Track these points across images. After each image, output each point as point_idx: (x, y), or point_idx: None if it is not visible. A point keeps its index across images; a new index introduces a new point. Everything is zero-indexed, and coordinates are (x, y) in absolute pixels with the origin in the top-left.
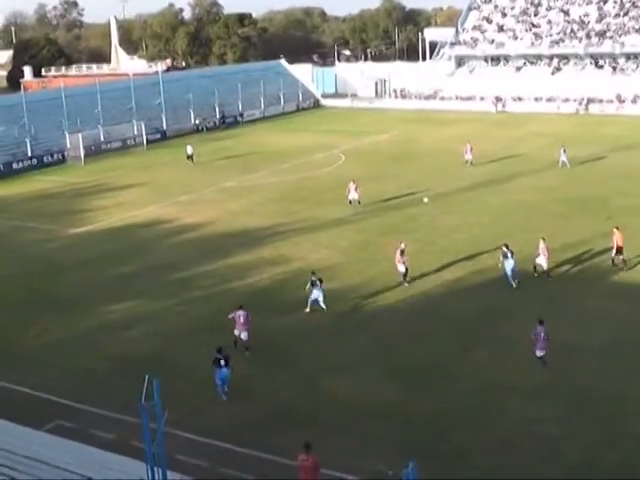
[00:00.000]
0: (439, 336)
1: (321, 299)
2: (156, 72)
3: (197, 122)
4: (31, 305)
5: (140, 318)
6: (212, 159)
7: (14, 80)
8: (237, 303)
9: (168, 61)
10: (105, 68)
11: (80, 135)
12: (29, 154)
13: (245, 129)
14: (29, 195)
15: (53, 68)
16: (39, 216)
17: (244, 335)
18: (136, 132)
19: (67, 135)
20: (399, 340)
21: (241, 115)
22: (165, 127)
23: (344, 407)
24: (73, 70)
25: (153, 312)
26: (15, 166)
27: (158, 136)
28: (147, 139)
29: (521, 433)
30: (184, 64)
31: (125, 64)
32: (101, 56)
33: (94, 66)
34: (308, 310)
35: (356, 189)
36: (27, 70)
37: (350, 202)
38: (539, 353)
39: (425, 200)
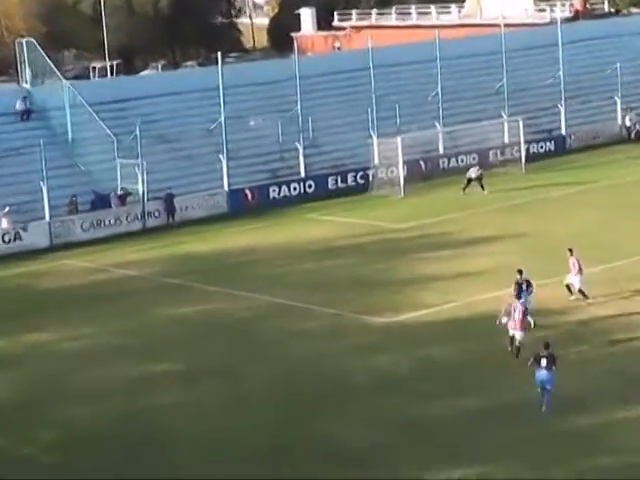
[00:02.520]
0: None
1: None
2: (552, 22)
3: (627, 121)
4: (284, 457)
5: None
6: None
7: (281, 34)
8: None
9: (577, 0)
10: (454, 14)
11: (399, 140)
12: (301, 173)
13: None
14: (295, 247)
15: (354, 13)
16: (314, 288)
17: (519, 335)
18: (508, 137)
19: (374, 139)
20: None
21: None
22: (564, 129)
23: None
24: (392, 17)
25: None
26: (274, 193)
27: (550, 146)
28: (529, 152)
29: None
30: (607, 7)
31: (491, 6)
32: None
33: (432, 10)
34: None
35: None
36: (306, 16)
37: None
38: None
39: None
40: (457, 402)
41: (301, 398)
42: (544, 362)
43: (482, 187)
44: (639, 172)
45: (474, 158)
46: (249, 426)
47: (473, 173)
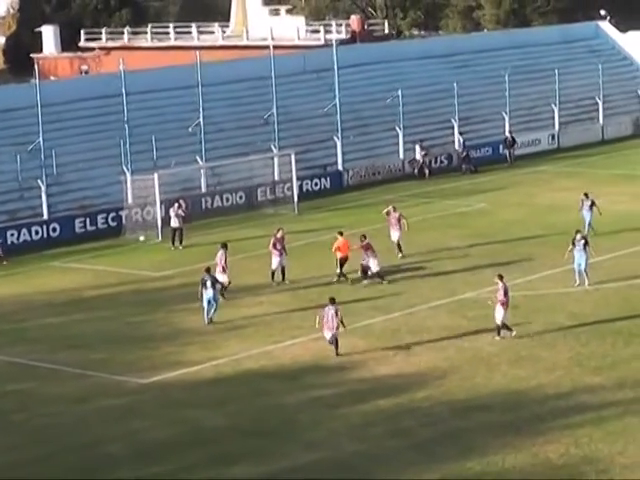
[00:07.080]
0: None
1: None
2: (327, 44)
3: (418, 155)
4: None
5: None
6: (440, 239)
7: (20, 55)
8: None
9: (354, 20)
10: (218, 34)
11: (156, 177)
12: (44, 214)
13: (515, 173)
14: (37, 299)
15: (104, 32)
16: (60, 346)
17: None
18: (278, 173)
19: (127, 176)
20: None
21: (509, 143)
22: (340, 164)
23: None
24: (148, 37)
25: None
26: (13, 238)
27: (325, 183)
28: (302, 190)
29: None
30: (387, 28)
31: (259, 26)
32: (209, 11)
33: (194, 29)
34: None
35: None
36: (48, 35)
37: None
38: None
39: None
40: (225, 471)
41: (53, 474)
42: (209, 284)
43: (180, 240)
44: (421, 212)
45: (241, 197)
46: None
47: (175, 223)
